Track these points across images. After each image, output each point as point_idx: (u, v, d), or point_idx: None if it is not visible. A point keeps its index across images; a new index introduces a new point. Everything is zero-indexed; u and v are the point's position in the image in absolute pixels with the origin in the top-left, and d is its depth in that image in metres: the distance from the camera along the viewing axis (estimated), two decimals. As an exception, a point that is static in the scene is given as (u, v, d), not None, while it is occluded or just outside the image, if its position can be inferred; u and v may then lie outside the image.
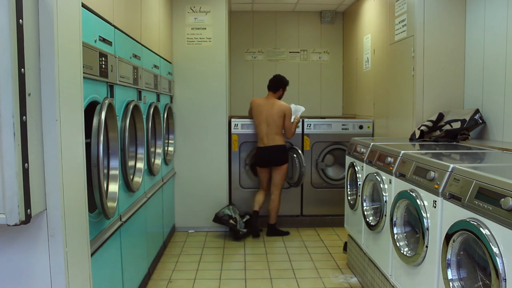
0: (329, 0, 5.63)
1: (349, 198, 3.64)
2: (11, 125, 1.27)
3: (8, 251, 1.48)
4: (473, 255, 1.86)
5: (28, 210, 1.34)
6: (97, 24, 2.27)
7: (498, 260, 1.58)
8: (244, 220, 4.68)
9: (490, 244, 1.61)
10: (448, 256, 1.92)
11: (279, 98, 4.75)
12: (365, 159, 3.22)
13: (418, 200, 2.24)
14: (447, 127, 3.34)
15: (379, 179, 2.86)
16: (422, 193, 2.24)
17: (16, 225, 1.30)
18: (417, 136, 3.42)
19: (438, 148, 2.98)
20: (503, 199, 1.58)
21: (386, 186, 2.78)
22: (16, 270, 1.49)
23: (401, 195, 2.46)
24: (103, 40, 2.35)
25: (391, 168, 2.69)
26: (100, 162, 2.08)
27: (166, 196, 4.34)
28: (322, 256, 4.11)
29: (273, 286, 3.44)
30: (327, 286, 3.43)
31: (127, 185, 2.77)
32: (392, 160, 2.71)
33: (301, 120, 4.91)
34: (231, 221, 4.56)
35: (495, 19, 3.25)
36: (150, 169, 3.47)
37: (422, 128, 3.43)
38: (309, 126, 4.97)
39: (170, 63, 4.65)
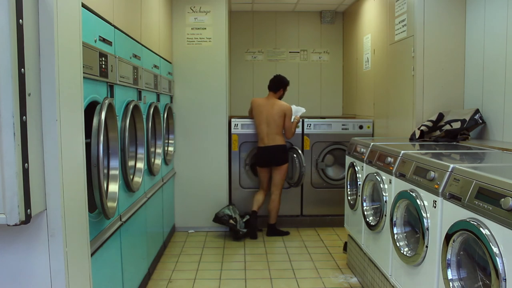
0: (329, 0, 5.63)
1: (349, 198, 3.64)
2: (11, 125, 1.27)
3: (8, 251, 1.48)
4: (473, 255, 1.86)
5: (28, 210, 1.34)
6: (97, 24, 2.27)
7: (498, 260, 1.58)
8: (244, 220, 4.68)
9: (490, 244, 1.61)
10: (448, 256, 1.92)
11: (280, 98, 4.75)
12: (365, 159, 3.22)
13: (418, 200, 2.24)
14: (447, 127, 3.34)
15: (379, 179, 2.86)
16: (422, 193, 2.24)
17: (16, 225, 1.30)
18: (417, 136, 3.42)
19: (438, 148, 2.98)
20: (503, 199, 1.58)
21: (386, 186, 2.78)
22: (16, 270, 1.49)
23: (401, 195, 2.46)
24: (103, 40, 2.35)
25: (391, 168, 2.69)
26: (100, 162, 2.08)
27: (166, 196, 4.34)
28: (322, 256, 4.11)
29: (273, 286, 3.44)
30: (327, 286, 3.43)
31: (127, 185, 2.77)
32: (392, 160, 2.71)
33: (301, 120, 4.91)
34: (231, 221, 4.56)
35: (495, 19, 3.25)
36: (150, 169, 3.47)
37: (422, 128, 3.43)
38: (309, 126, 4.97)
39: (170, 63, 4.65)
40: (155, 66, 3.79)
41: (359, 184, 3.33)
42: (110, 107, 2.30)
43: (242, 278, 3.61)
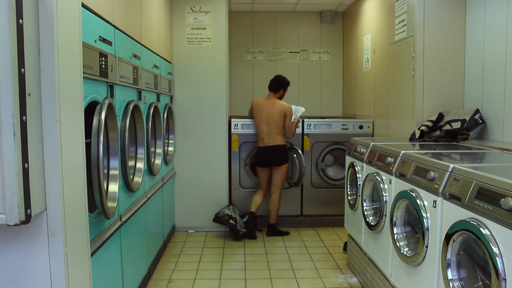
0: (329, 0, 5.63)
1: (349, 198, 3.64)
2: (11, 125, 1.27)
3: (8, 251, 1.48)
4: (473, 255, 1.86)
5: (28, 210, 1.34)
6: (97, 24, 2.27)
7: (498, 260, 1.58)
8: (244, 220, 4.68)
9: (490, 244, 1.61)
10: (448, 256, 1.92)
11: (280, 98, 4.75)
12: (365, 159, 3.22)
13: (418, 200, 2.24)
14: (447, 127, 3.34)
15: (379, 179, 2.86)
16: (422, 193, 2.24)
17: (16, 225, 1.30)
18: (417, 136, 3.42)
19: (438, 148, 2.98)
20: (503, 199, 1.58)
21: (386, 186, 2.78)
22: (16, 270, 1.49)
23: (401, 195, 2.46)
24: (103, 40, 2.35)
25: (391, 168, 2.69)
26: (100, 162, 2.08)
27: (166, 196, 4.34)
28: (322, 256, 4.11)
29: (273, 286, 3.44)
30: (327, 286, 3.43)
31: (127, 185, 2.77)
32: (392, 160, 2.71)
33: (301, 120, 4.91)
34: (231, 221, 4.56)
35: (495, 19, 3.25)
36: (150, 169, 3.47)
37: (422, 128, 3.43)
38: (309, 126, 4.97)
39: (170, 63, 4.65)
40: (155, 66, 3.79)
41: (359, 184, 3.33)
42: (110, 107, 2.30)
43: (242, 278, 3.61)
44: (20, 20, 1.30)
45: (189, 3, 4.78)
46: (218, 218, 4.61)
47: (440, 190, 2.04)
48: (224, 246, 4.43)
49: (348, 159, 3.67)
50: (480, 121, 3.30)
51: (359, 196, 3.29)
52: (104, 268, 2.36)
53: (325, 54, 6.24)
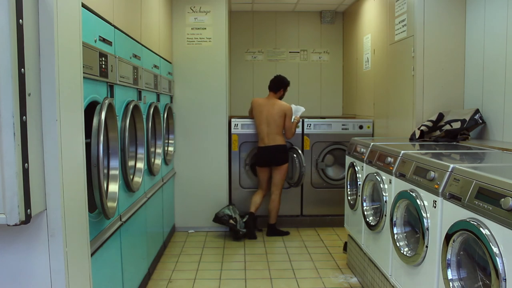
0: (329, 0, 5.63)
1: (349, 198, 3.64)
2: (11, 125, 1.27)
3: (8, 251, 1.48)
4: (473, 255, 1.86)
5: (28, 210, 1.34)
6: (97, 24, 2.27)
7: (498, 260, 1.58)
8: (244, 220, 4.67)
9: (490, 244, 1.61)
10: (448, 256, 1.92)
11: (280, 98, 4.75)
12: (365, 159, 3.22)
13: (418, 200, 2.24)
14: (447, 127, 3.34)
15: (379, 179, 2.86)
16: (422, 193, 2.24)
17: (16, 225, 1.30)
18: (417, 136, 3.42)
19: (438, 148, 2.98)
20: (503, 199, 1.58)
21: (386, 186, 2.78)
22: (16, 270, 1.49)
23: (401, 195, 2.46)
24: (103, 40, 2.35)
25: (391, 168, 2.69)
26: (100, 162, 2.08)
27: (166, 196, 4.34)
28: (322, 256, 4.11)
29: (273, 286, 3.44)
30: (327, 286, 3.43)
31: (127, 185, 2.77)
32: (392, 160, 2.71)
33: (301, 120, 4.91)
34: (231, 221, 4.56)
35: (495, 19, 3.25)
36: (150, 169, 3.47)
37: (422, 128, 3.43)
38: (309, 126, 4.97)
39: (170, 63, 4.65)
40: (155, 66, 3.79)
41: (359, 184, 3.33)
42: (110, 107, 2.30)
43: (242, 278, 3.61)
44: (20, 20, 1.30)
45: (189, 3, 4.78)
46: (218, 218, 4.61)
47: (440, 190, 2.04)
48: (224, 246, 4.43)
49: (348, 159, 3.67)
50: (480, 121, 3.30)
51: (359, 196, 3.29)
52: (104, 268, 2.36)
53: (325, 54, 6.24)
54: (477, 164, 2.30)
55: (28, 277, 1.50)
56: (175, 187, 4.86)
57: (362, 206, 3.18)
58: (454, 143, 3.20)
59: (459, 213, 1.87)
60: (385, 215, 2.76)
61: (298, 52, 6.22)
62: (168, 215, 4.51)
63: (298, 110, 4.76)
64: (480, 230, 1.67)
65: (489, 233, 1.64)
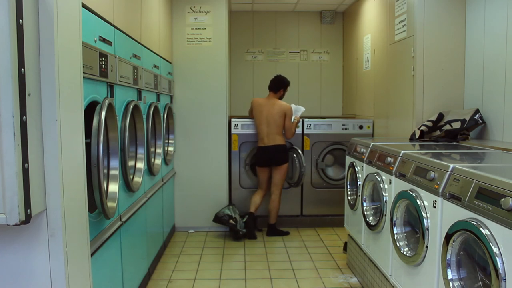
0: (329, 0, 5.63)
1: (349, 198, 3.64)
2: (11, 125, 1.27)
3: (8, 251, 1.48)
4: (473, 255, 1.86)
5: (28, 210, 1.34)
6: (97, 24, 2.27)
7: (498, 260, 1.58)
8: (244, 220, 4.68)
9: (490, 244, 1.61)
10: (448, 256, 1.92)
11: (280, 98, 4.75)
12: (365, 159, 3.22)
13: (418, 200, 2.24)
14: (447, 127, 3.34)
15: (379, 179, 2.86)
16: (422, 193, 2.24)
17: (16, 225, 1.30)
18: (417, 136, 3.42)
19: (438, 148, 2.98)
20: (503, 199, 1.58)
21: (386, 186, 2.78)
22: (16, 270, 1.49)
23: (401, 195, 2.46)
24: (103, 40, 2.35)
25: (391, 168, 2.69)
26: (100, 162, 2.08)
27: (166, 196, 4.34)
28: (322, 256, 4.11)
29: (273, 286, 3.44)
30: (327, 286, 3.43)
31: (127, 185, 2.77)
32: (392, 160, 2.71)
33: (301, 120, 4.91)
34: (231, 221, 4.56)
35: (495, 19, 3.25)
36: (150, 169, 3.47)
37: (422, 128, 3.43)
38: (309, 126, 4.97)
39: (170, 63, 4.65)
40: (155, 66, 3.79)
41: (359, 184, 3.33)
42: (110, 107, 2.30)
43: (242, 278, 3.61)
44: (20, 20, 1.30)
45: (189, 3, 4.78)
46: (218, 218, 4.61)
47: (440, 190, 2.04)
48: (224, 246, 4.43)
49: (348, 159, 3.67)
50: (480, 121, 3.30)
51: (359, 196, 3.29)
52: (104, 268, 2.36)
53: (325, 54, 6.24)
54: (477, 164, 2.30)
55: (28, 277, 1.50)
56: (175, 187, 4.86)
57: (362, 206, 3.18)
58: (454, 143, 3.20)
59: (459, 213, 1.87)
60: (385, 215, 2.76)
61: (298, 52, 6.22)
62: (168, 215, 4.51)
63: (298, 110, 4.76)
64: (480, 230, 1.67)
65: (489, 233, 1.64)
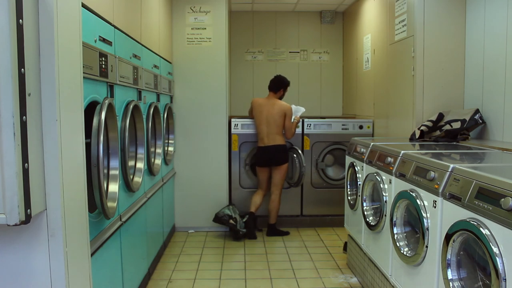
0: (329, 0, 5.63)
1: (349, 198, 3.64)
2: (11, 125, 1.27)
3: (8, 251, 1.48)
4: (473, 255, 1.86)
5: (28, 210, 1.34)
6: (97, 24, 2.27)
7: (498, 260, 1.58)
8: (244, 220, 4.68)
9: (490, 244, 1.61)
10: (448, 256, 1.92)
11: (280, 98, 4.75)
12: (365, 159, 3.22)
13: (418, 200, 2.24)
14: (447, 127, 3.34)
15: (379, 179, 2.86)
16: (422, 193, 2.24)
17: (16, 225, 1.30)
18: (417, 136, 3.42)
19: (438, 148, 2.98)
20: (503, 199, 1.58)
21: (386, 186, 2.78)
22: (16, 270, 1.49)
23: (401, 195, 2.46)
24: (103, 40, 2.35)
25: (391, 168, 2.69)
26: (100, 162, 2.08)
27: (166, 196, 4.34)
28: (322, 256, 4.11)
29: (273, 286, 3.44)
30: (327, 286, 3.43)
31: (127, 185, 2.77)
32: (392, 160, 2.71)
33: (301, 120, 4.91)
34: (231, 221, 4.56)
35: (495, 19, 3.25)
36: (150, 169, 3.47)
37: (422, 128, 3.43)
38: (309, 126, 4.97)
39: (170, 63, 4.65)
40: (155, 66, 3.79)
41: (359, 184, 3.33)
42: (110, 107, 2.30)
43: (242, 278, 3.61)
44: (20, 20, 1.30)
45: (189, 3, 4.78)
46: (218, 218, 4.61)
47: (440, 190, 2.04)
48: (224, 246, 4.43)
49: (348, 159, 3.67)
50: (480, 121, 3.30)
51: (359, 196, 3.29)
52: (104, 268, 2.36)
53: (325, 54, 6.24)
54: (477, 164, 2.30)
55: (28, 277, 1.50)
56: (175, 187, 4.86)
57: (362, 206, 3.18)
58: (454, 143, 3.20)
59: (459, 213, 1.87)
60: (385, 215, 2.76)
61: (298, 52, 6.22)
62: (168, 215, 4.51)
63: (298, 110, 4.76)
64: (480, 230, 1.67)
65: (489, 233, 1.64)
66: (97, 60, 2.21)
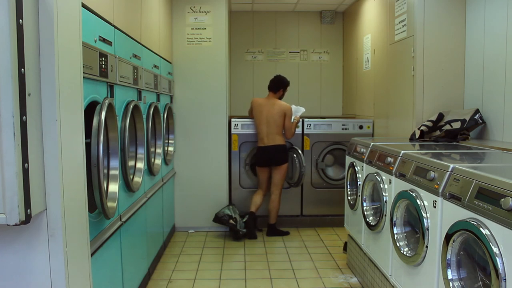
0: (329, 0, 5.63)
1: (349, 198, 3.64)
2: (11, 125, 1.27)
3: (8, 251, 1.48)
4: (473, 255, 1.86)
5: (28, 210, 1.34)
6: (97, 24, 2.27)
7: (498, 260, 1.58)
8: (244, 220, 4.68)
9: (490, 244, 1.61)
10: (448, 256, 1.92)
11: (280, 98, 4.75)
12: (365, 159, 3.22)
13: (418, 200, 2.24)
14: (447, 127, 3.34)
15: (379, 179, 2.86)
16: (422, 193, 2.24)
17: (16, 225, 1.30)
18: (417, 136, 3.42)
19: (438, 148, 2.98)
20: (503, 199, 1.58)
21: (386, 186, 2.78)
22: (16, 270, 1.49)
23: (401, 195, 2.46)
24: (103, 40, 2.35)
25: (391, 168, 2.69)
26: (100, 162, 2.08)
27: (166, 196, 4.34)
28: (322, 256, 4.11)
29: (273, 286, 3.44)
30: (327, 286, 3.43)
31: (127, 185, 2.77)
32: (392, 160, 2.71)
33: (301, 120, 4.91)
34: (231, 221, 4.56)
35: (495, 19, 3.25)
36: (150, 169, 3.47)
37: (422, 128, 3.43)
38: (309, 126, 4.97)
39: (170, 63, 4.65)
40: (155, 66, 3.79)
41: (359, 184, 3.33)
42: (110, 107, 2.30)
43: (242, 278, 3.61)
44: (20, 20, 1.30)
45: (189, 3, 4.78)
46: (218, 218, 4.61)
47: (440, 190, 2.04)
48: (224, 246, 4.43)
49: (348, 159, 3.67)
50: (480, 121, 3.30)
51: (359, 196, 3.29)
52: (104, 268, 2.36)
53: (325, 54, 6.24)
54: (477, 164, 2.30)
55: (28, 277, 1.50)
56: (175, 187, 4.86)
57: (362, 206, 3.18)
58: (454, 143, 3.20)
59: (459, 213, 1.87)
60: (385, 215, 2.76)
61: (298, 52, 6.22)
62: (168, 215, 4.51)
63: (298, 110, 4.76)
64: (480, 230, 1.67)
65: (489, 233, 1.64)
66: (97, 60, 2.21)
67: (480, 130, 3.42)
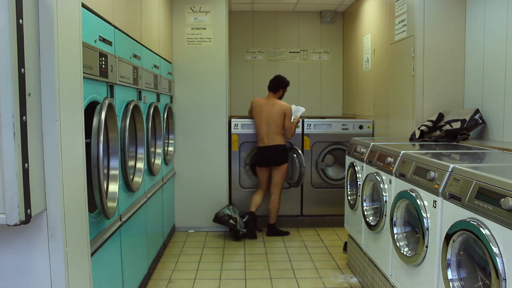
0: (329, 0, 5.63)
1: (349, 198, 3.64)
2: (11, 125, 1.27)
3: (8, 251, 1.48)
4: (473, 255, 1.86)
5: (28, 210, 1.34)
6: (97, 24, 2.27)
7: (498, 260, 1.58)
8: (244, 220, 4.68)
9: (490, 244, 1.61)
10: (448, 256, 1.92)
11: (280, 98, 4.75)
12: (365, 159, 3.22)
13: (418, 200, 2.24)
14: (447, 127, 3.34)
15: (379, 179, 2.86)
16: (422, 193, 2.24)
17: (16, 225, 1.30)
18: (417, 136, 3.42)
19: (438, 148, 2.98)
20: (503, 199, 1.58)
21: (386, 186, 2.78)
22: (16, 270, 1.49)
23: (401, 195, 2.46)
24: (103, 40, 2.35)
25: (391, 168, 2.69)
26: (100, 162, 2.08)
27: (166, 196, 4.34)
28: (322, 256, 4.11)
29: (273, 286, 3.44)
30: (327, 286, 3.43)
31: (127, 185, 2.77)
32: (392, 160, 2.71)
33: (301, 120, 4.91)
34: (231, 221, 4.56)
35: (495, 19, 3.25)
36: (150, 169, 3.47)
37: (422, 128, 3.43)
38: (309, 126, 4.97)
39: (170, 63, 4.65)
40: (155, 66, 3.79)
41: (359, 184, 3.33)
42: (110, 107, 2.30)
43: (242, 278, 3.61)
44: (20, 20, 1.30)
45: (189, 3, 4.78)
46: (218, 218, 4.61)
47: (440, 190, 2.04)
48: (224, 246, 4.43)
49: (348, 159, 3.67)
50: (480, 121, 3.30)
51: (359, 196, 3.29)
52: (104, 268, 2.36)
53: (325, 54, 6.24)
54: (477, 164, 2.30)
55: (28, 277, 1.50)
56: (175, 187, 4.86)
57: (362, 206, 3.18)
58: (454, 143, 3.20)
59: (459, 213, 1.87)
60: (385, 215, 2.76)
61: (298, 52, 6.22)
62: (168, 215, 4.51)
63: (298, 110, 4.76)
64: (480, 230, 1.67)
65: (489, 233, 1.64)
66: (97, 60, 2.21)
67: (480, 130, 3.42)
